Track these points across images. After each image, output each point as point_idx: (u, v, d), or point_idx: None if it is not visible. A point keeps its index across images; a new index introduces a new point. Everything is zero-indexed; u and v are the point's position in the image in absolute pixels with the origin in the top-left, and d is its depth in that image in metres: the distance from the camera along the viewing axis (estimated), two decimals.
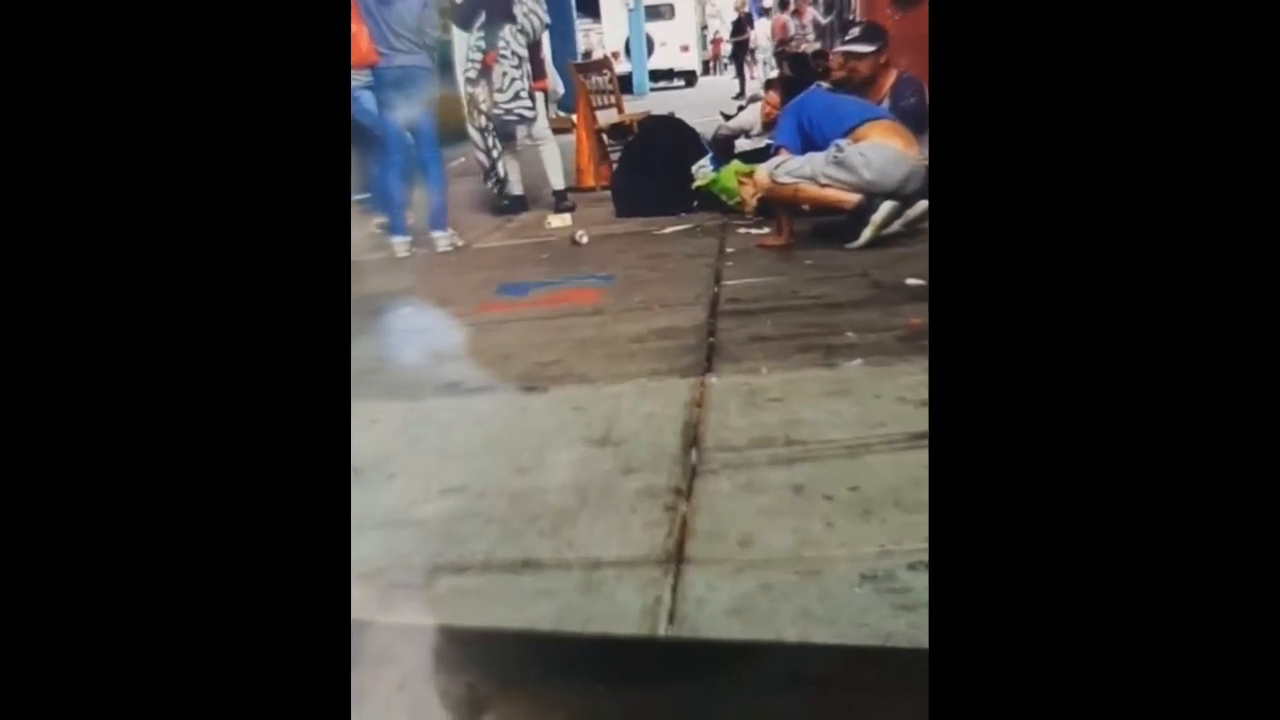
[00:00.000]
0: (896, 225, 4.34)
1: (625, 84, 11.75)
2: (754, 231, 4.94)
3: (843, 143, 4.41)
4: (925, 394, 2.43)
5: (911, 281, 3.61)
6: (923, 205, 4.40)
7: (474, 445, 2.39)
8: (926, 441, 2.15)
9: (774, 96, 6.19)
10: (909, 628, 1.41)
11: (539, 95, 6.30)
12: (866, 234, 4.31)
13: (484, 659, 1.36)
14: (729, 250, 4.60)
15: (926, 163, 4.64)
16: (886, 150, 4.40)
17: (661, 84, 22.33)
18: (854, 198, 4.35)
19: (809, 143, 4.58)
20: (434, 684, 1.28)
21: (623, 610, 1.58)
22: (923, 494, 1.87)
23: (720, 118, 7.66)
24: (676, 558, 1.75)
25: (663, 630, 1.50)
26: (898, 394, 2.47)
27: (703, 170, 5.91)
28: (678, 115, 6.68)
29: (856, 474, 2.02)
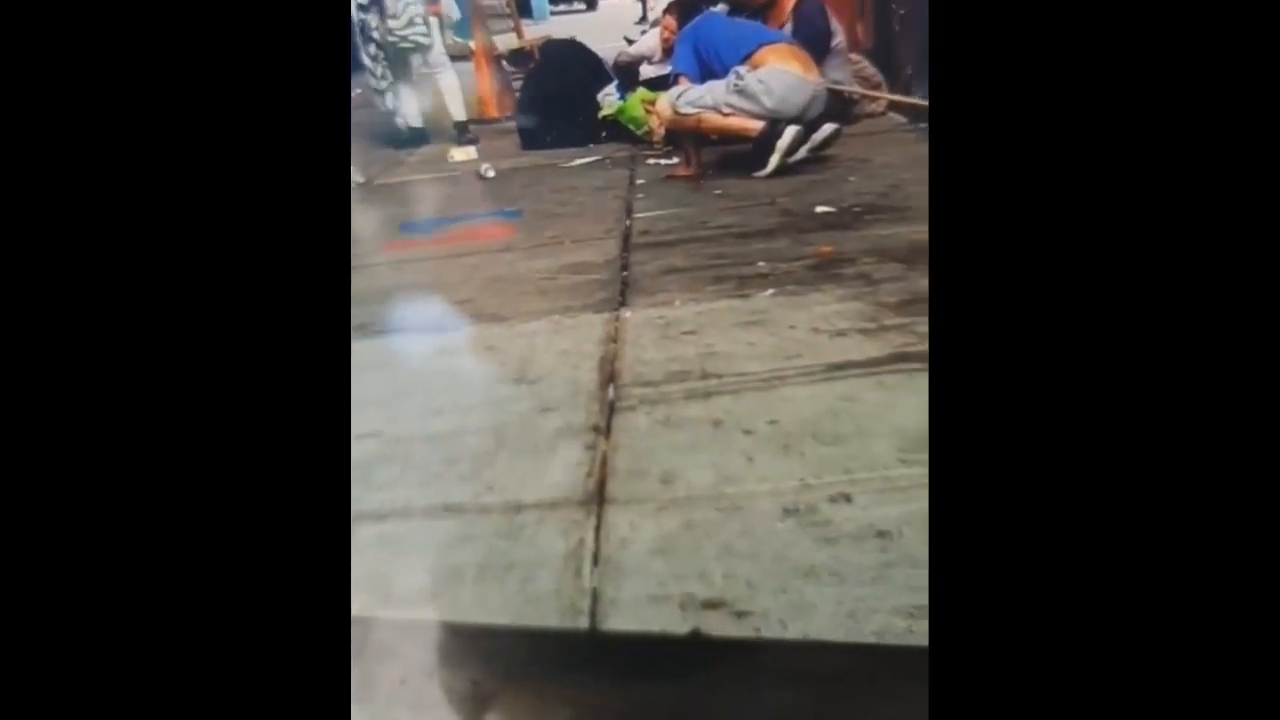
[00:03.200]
0: (802, 152, 4.36)
1: (523, 7, 11.55)
2: (663, 162, 4.92)
3: (742, 70, 4.40)
4: (839, 323, 2.46)
5: (820, 209, 3.63)
6: (827, 130, 4.43)
7: (387, 389, 2.36)
8: (842, 372, 2.19)
9: (671, 21, 6.11)
10: (831, 560, 1.44)
11: (434, 20, 6.13)
12: (773, 161, 4.32)
13: (487, 654, 1.36)
14: (639, 182, 4.58)
15: (826, 86, 4.67)
16: (786, 76, 4.40)
17: (561, 7, 21.96)
18: (757, 125, 4.35)
19: (707, 70, 4.56)
20: (437, 679, 1.28)
21: (546, 554, 1.58)
22: (840, 425, 1.90)
23: (624, 43, 7.58)
24: (598, 498, 1.76)
25: (587, 573, 1.51)
26: (811, 324, 2.49)
27: (609, 99, 5.86)
28: (580, 40, 6.59)
29: (774, 407, 2.04)
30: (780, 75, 4.39)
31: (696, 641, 1.24)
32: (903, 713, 1.07)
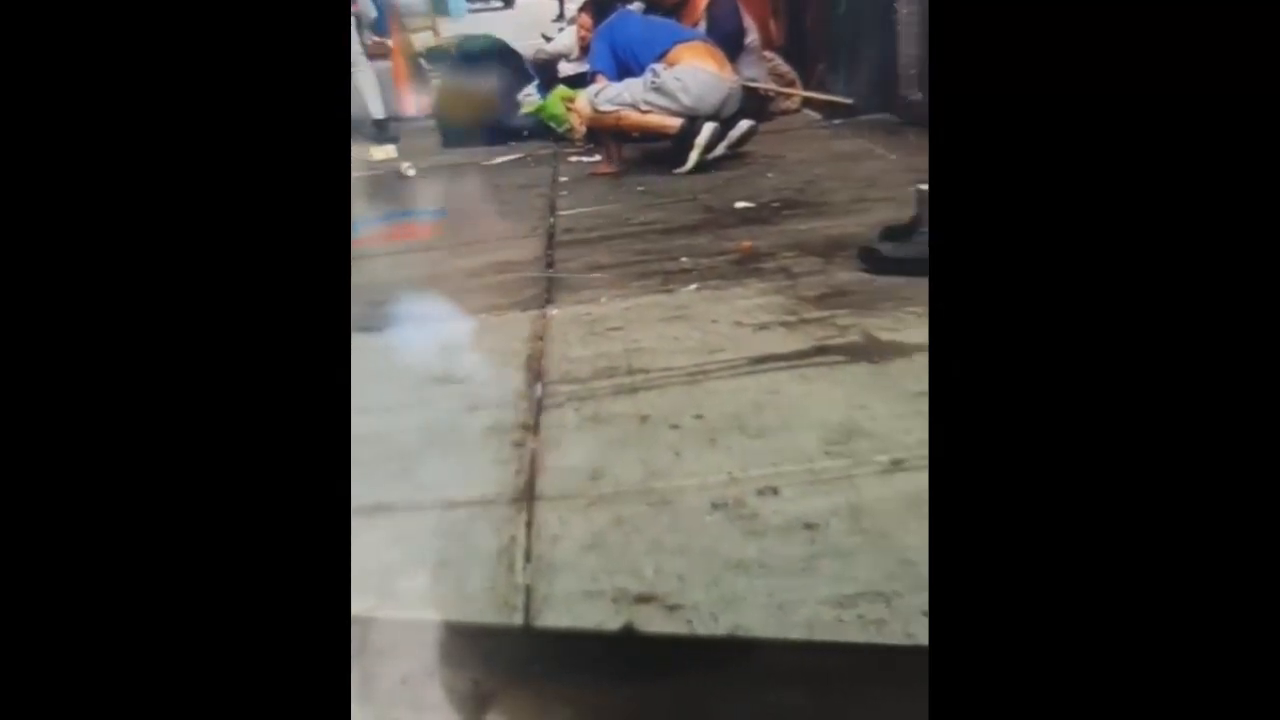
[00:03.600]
0: (721, 148, 4.39)
1: (440, 5, 11.44)
2: (585, 160, 4.91)
3: (658, 67, 4.42)
4: (761, 317, 2.48)
5: (740, 204, 3.66)
6: (743, 126, 4.46)
7: None
8: (765, 365, 2.20)
9: (586, 19, 6.10)
10: (760, 553, 1.45)
11: (350, 18, 6.06)
12: (693, 158, 4.34)
13: (488, 654, 1.34)
14: (562, 179, 4.57)
15: (741, 84, 4.71)
16: (702, 74, 4.43)
17: (478, 5, 21.78)
18: (676, 122, 4.37)
19: (624, 68, 4.58)
20: (438, 679, 1.27)
21: (478, 551, 1.57)
22: (765, 418, 1.92)
23: (543, 40, 7.55)
24: (528, 495, 1.75)
25: (520, 570, 1.50)
26: (734, 318, 2.51)
27: (529, 98, 5.84)
28: (498, 38, 6.55)
29: (699, 401, 2.04)
30: (696, 73, 4.42)
31: (697, 641, 1.24)
32: (902, 711, 1.07)
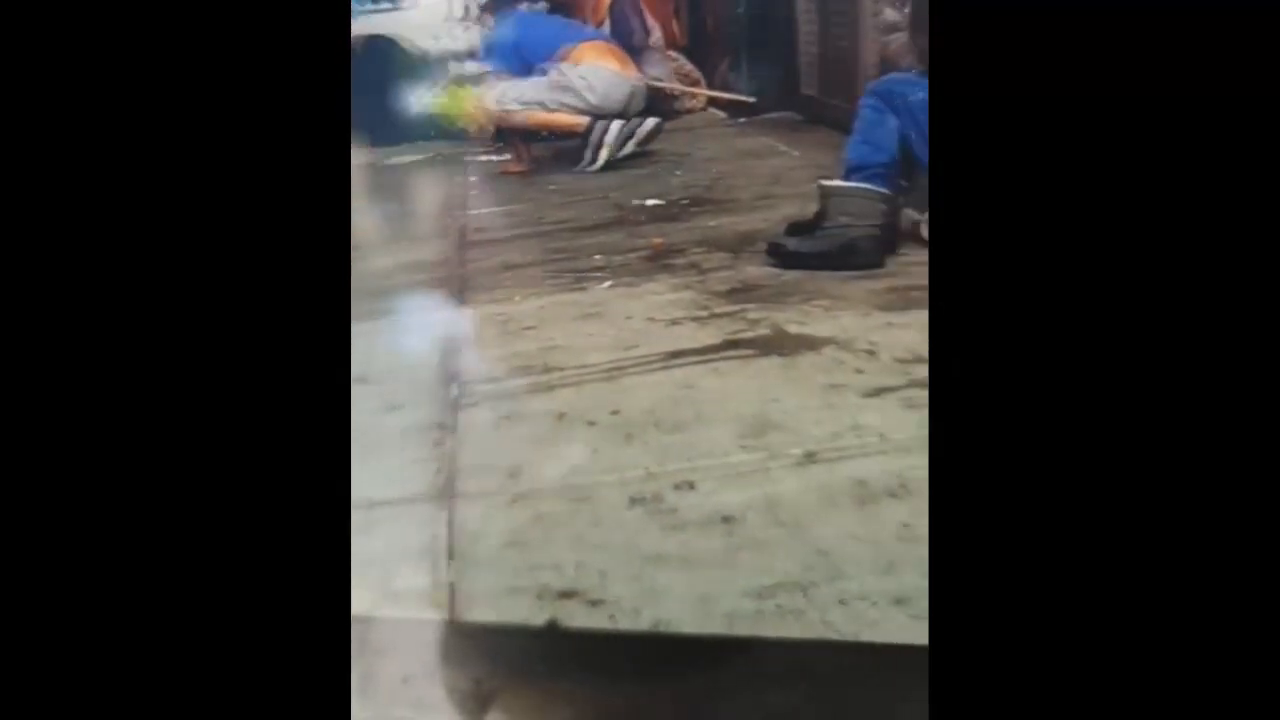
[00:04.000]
0: (629, 146, 4.40)
1: None
2: (494, 159, 4.88)
3: (563, 66, 4.42)
4: (673, 313, 2.50)
5: (650, 202, 3.67)
6: (650, 124, 4.48)
7: None
8: (679, 360, 2.22)
9: (488, 18, 6.07)
10: (679, 546, 1.46)
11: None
12: (601, 156, 4.34)
13: (490, 653, 1.32)
14: (471, 179, 4.54)
15: (645, 82, 4.73)
16: (605, 72, 4.44)
17: (368, 6, 21.44)
18: (583, 120, 4.38)
19: (526, 66, 4.56)
20: (439, 678, 1.24)
21: (401, 550, 1.56)
22: (680, 413, 1.93)
23: (447, 39, 7.46)
24: (449, 493, 1.74)
25: (444, 568, 1.49)
26: (647, 314, 2.51)
27: (433, 96, 5.77)
28: (400, 37, 6.47)
29: (615, 398, 2.05)
30: (600, 71, 4.43)
31: (698, 640, 1.24)
32: (902, 710, 1.07)
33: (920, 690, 0.72)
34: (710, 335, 2.33)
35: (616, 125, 4.33)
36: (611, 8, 5.22)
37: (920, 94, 2.78)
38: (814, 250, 2.78)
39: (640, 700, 1.15)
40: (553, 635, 1.28)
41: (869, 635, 1.18)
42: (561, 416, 1.99)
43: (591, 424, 1.94)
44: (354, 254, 3.38)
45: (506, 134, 4.71)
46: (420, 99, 5.71)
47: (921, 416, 1.78)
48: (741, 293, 2.62)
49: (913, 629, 1.18)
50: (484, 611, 1.38)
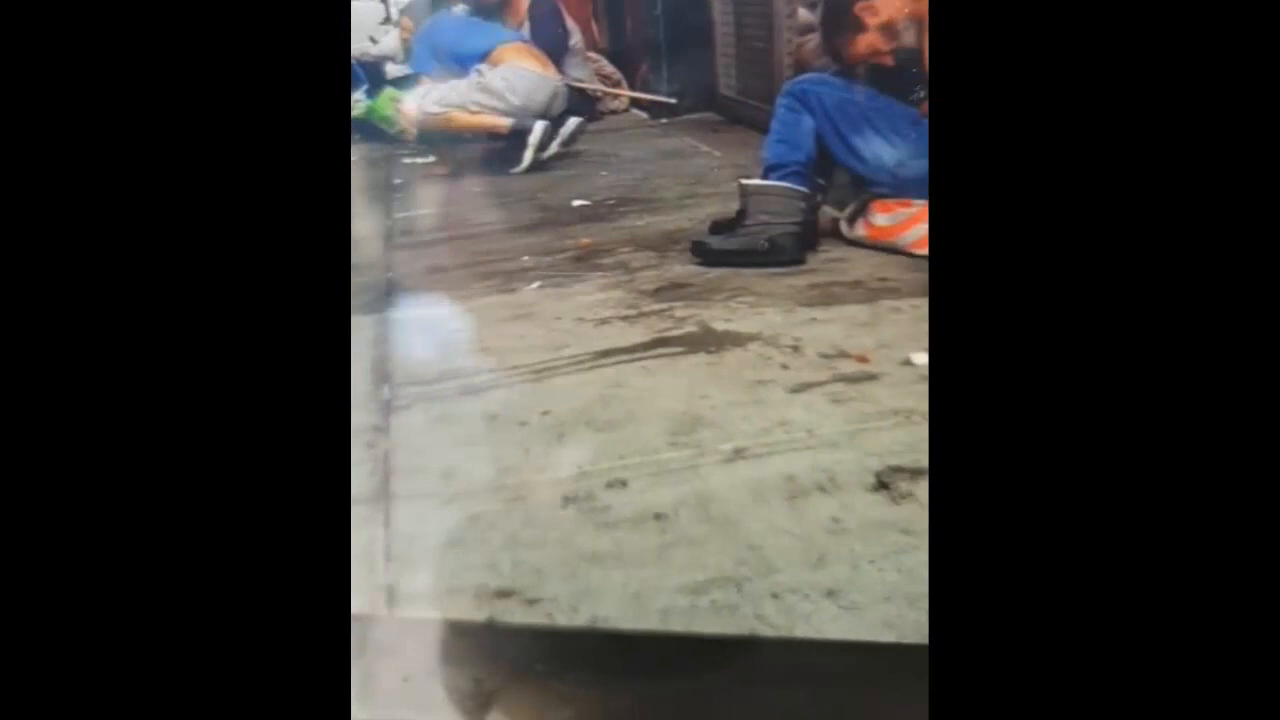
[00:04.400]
0: (553, 147, 4.40)
1: None
2: (419, 161, 4.85)
3: (483, 68, 4.41)
4: (602, 312, 2.50)
5: (577, 202, 3.67)
6: (573, 124, 4.49)
7: None
8: (608, 359, 2.22)
9: (408, 21, 6.02)
10: (613, 544, 1.47)
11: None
12: (527, 157, 4.34)
13: (490, 652, 1.30)
14: (396, 182, 4.50)
15: (567, 83, 4.73)
16: (526, 73, 4.44)
17: None
18: (506, 122, 4.37)
19: (447, 69, 4.55)
20: (439, 677, 1.22)
21: None
22: (610, 412, 1.93)
23: (369, 42, 7.39)
24: (384, 495, 1.73)
25: (381, 569, 1.49)
26: (576, 314, 2.52)
27: (357, 100, 5.72)
28: None
29: (546, 398, 2.05)
30: (521, 72, 4.43)
31: (698, 639, 1.23)
32: (902, 709, 1.06)
33: (920, 689, 0.71)
34: (639, 334, 2.34)
35: (540, 126, 4.33)
36: (531, 10, 5.20)
37: (835, 94, 2.82)
38: (737, 248, 2.80)
39: (642, 700, 1.15)
40: (553, 634, 1.28)
41: (802, 629, 1.20)
42: (493, 418, 1.99)
43: (523, 424, 1.94)
44: None
45: (431, 136, 4.68)
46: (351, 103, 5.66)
47: (846, 411, 1.81)
48: (669, 291, 2.63)
49: (844, 620, 1.20)
50: (423, 612, 1.38)
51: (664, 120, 5.52)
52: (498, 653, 1.28)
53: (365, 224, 3.70)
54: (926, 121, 2.71)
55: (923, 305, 2.33)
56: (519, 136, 4.33)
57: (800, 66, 3.68)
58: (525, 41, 4.73)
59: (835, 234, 2.93)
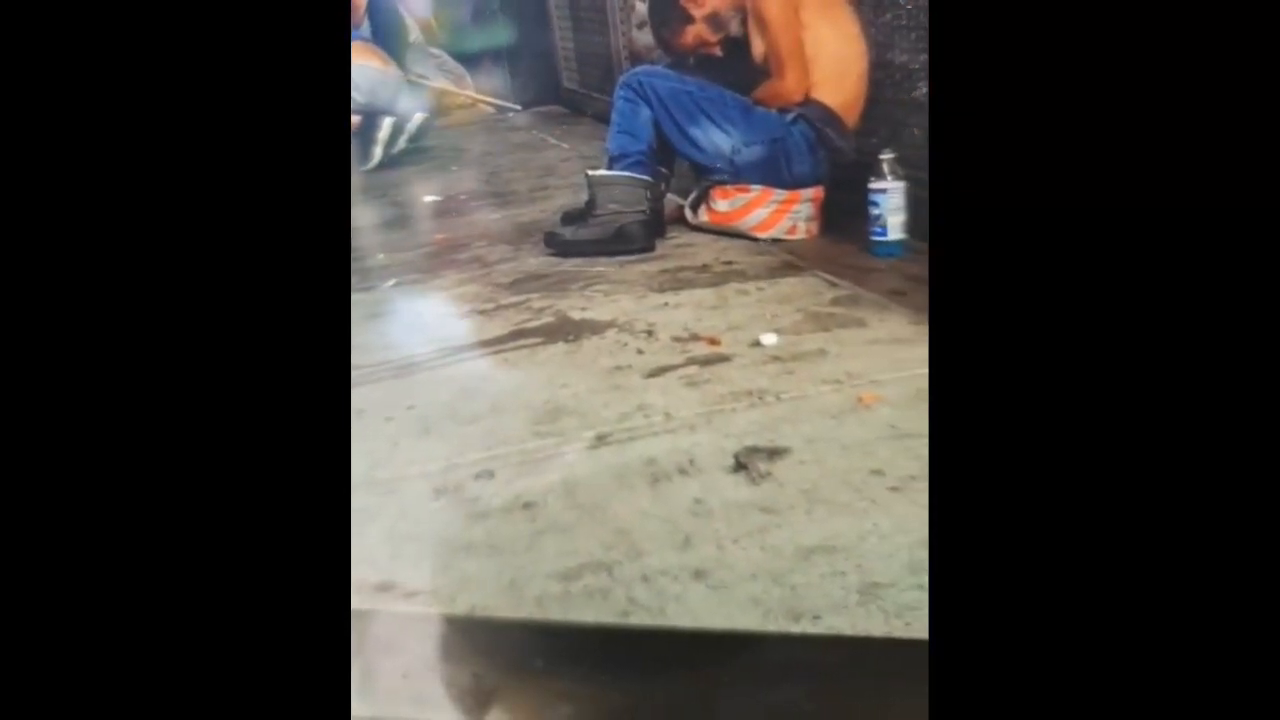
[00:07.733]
0: (401, 142, 4.32)
1: None
2: None
3: None
4: (460, 306, 2.47)
5: (429, 198, 3.61)
6: (418, 118, 4.41)
7: None
8: (469, 353, 2.19)
9: None
10: (485, 534, 1.44)
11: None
12: (376, 154, 4.25)
13: (490, 648, 1.24)
14: None
15: (410, 79, 4.64)
16: (368, 69, 4.34)
17: None
18: (354, 119, 4.26)
19: None
20: (439, 673, 1.16)
21: None
22: (474, 404, 1.91)
23: None
24: None
25: None
26: (434, 310, 2.48)
27: None
28: None
29: (410, 393, 2.01)
30: (364, 69, 4.32)
31: (698, 638, 1.20)
32: (902, 706, 1.04)
33: (920, 688, 0.70)
34: (498, 326, 2.31)
35: (387, 122, 4.25)
36: (369, 7, 5.07)
37: (668, 84, 2.83)
38: (588, 238, 2.80)
39: (641, 696, 1.13)
40: (552, 630, 1.25)
41: (673, 610, 1.20)
42: (360, 413, 1.94)
43: (389, 419, 1.89)
44: None
45: None
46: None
47: (701, 394, 1.82)
48: (525, 283, 2.61)
49: (712, 599, 1.21)
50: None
51: (511, 114, 5.47)
52: (495, 649, 1.25)
53: None
54: (759, 109, 2.75)
55: (768, 287, 2.37)
56: (366, 133, 4.22)
57: (636, 58, 3.69)
58: (365, 39, 4.61)
59: (682, 221, 2.94)
